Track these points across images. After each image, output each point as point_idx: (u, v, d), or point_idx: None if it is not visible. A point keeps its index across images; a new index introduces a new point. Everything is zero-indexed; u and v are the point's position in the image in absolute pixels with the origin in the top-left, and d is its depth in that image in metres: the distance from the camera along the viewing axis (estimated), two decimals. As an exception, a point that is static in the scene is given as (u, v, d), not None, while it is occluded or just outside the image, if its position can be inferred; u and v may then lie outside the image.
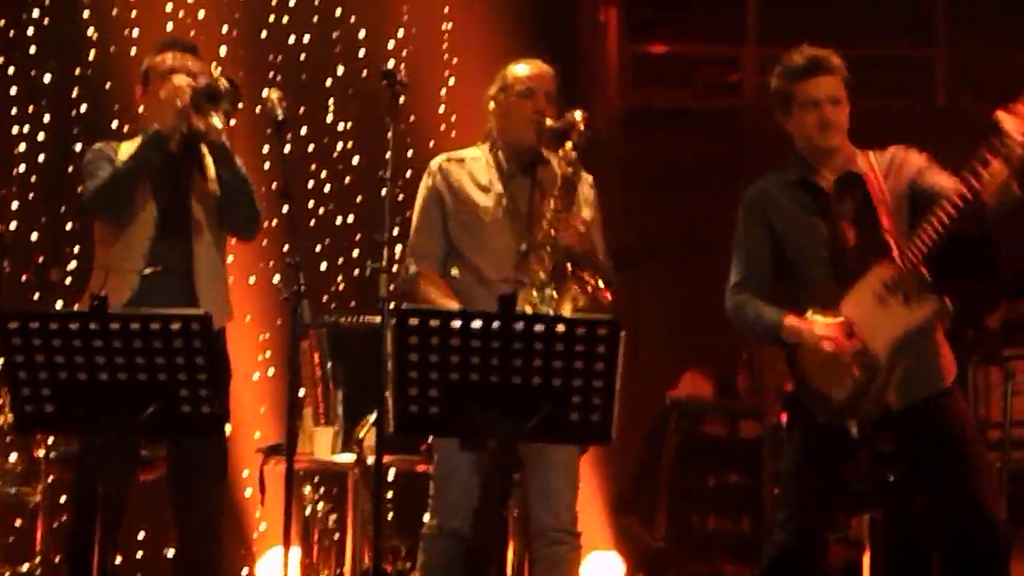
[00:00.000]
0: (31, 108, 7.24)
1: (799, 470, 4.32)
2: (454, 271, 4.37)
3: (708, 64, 9.88)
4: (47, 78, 7.27)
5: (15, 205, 7.13)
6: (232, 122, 4.72)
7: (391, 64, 7.30)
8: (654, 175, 8.77)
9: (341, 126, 7.72)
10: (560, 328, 3.25)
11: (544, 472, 4.23)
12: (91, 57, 7.33)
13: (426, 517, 4.37)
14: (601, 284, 4.16)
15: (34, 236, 7.10)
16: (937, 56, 9.62)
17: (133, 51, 7.11)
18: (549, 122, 4.30)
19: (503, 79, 4.42)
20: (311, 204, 7.50)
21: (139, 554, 6.76)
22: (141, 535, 6.73)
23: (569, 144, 4.28)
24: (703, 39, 9.77)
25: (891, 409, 4.16)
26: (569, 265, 4.19)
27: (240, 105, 4.54)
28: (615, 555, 7.20)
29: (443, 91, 7.81)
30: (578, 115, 4.30)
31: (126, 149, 4.57)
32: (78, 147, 6.99)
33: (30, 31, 7.28)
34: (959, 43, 9.56)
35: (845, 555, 6.11)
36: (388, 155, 4.33)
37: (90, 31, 7.34)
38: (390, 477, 5.92)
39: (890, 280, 4.14)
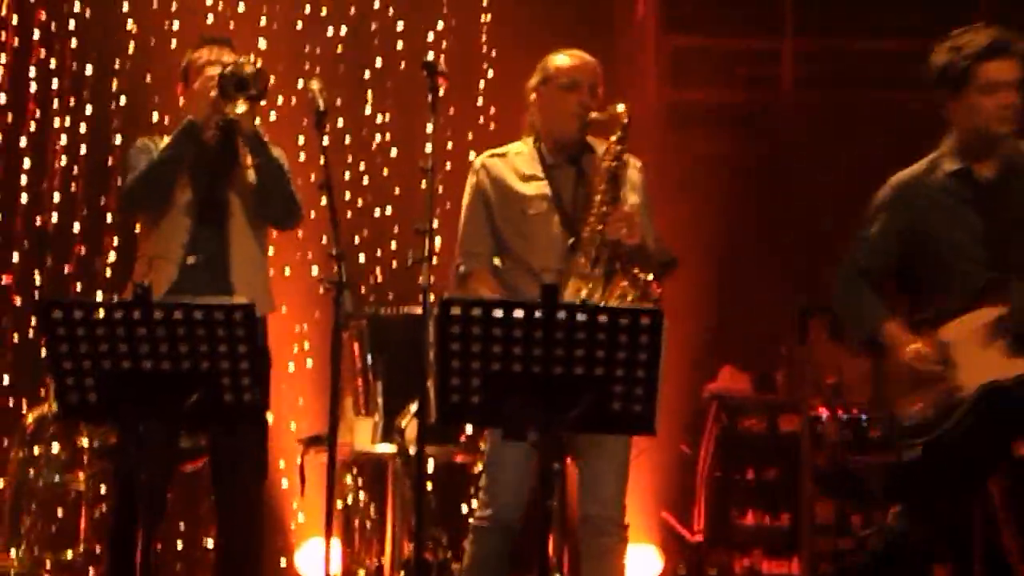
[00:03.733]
0: (72, 101, 7.28)
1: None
2: (496, 261, 4.37)
3: (746, 58, 9.82)
4: (88, 71, 7.32)
5: (57, 197, 7.17)
6: (271, 114, 4.75)
7: (430, 56, 7.30)
8: (693, 170, 8.74)
9: (379, 118, 7.73)
10: (603, 318, 3.24)
11: (593, 461, 4.21)
12: (131, 50, 7.36)
13: (476, 508, 4.36)
14: (651, 278, 4.14)
15: (76, 227, 7.14)
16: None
17: (173, 44, 7.15)
18: (594, 115, 4.28)
19: (544, 70, 4.40)
20: (348, 196, 7.51)
21: (179, 544, 6.79)
22: (181, 526, 6.76)
23: (613, 137, 4.26)
24: (741, 33, 9.71)
25: None
26: (618, 263, 4.17)
27: (266, 93, 4.53)
28: (653, 549, 7.19)
29: (482, 84, 7.81)
30: (621, 107, 4.28)
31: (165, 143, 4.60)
32: (119, 139, 7.05)
33: (71, 24, 7.32)
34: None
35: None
36: (429, 146, 4.33)
37: (130, 24, 7.37)
38: (430, 467, 5.93)
39: (1001, 322, 4.01)
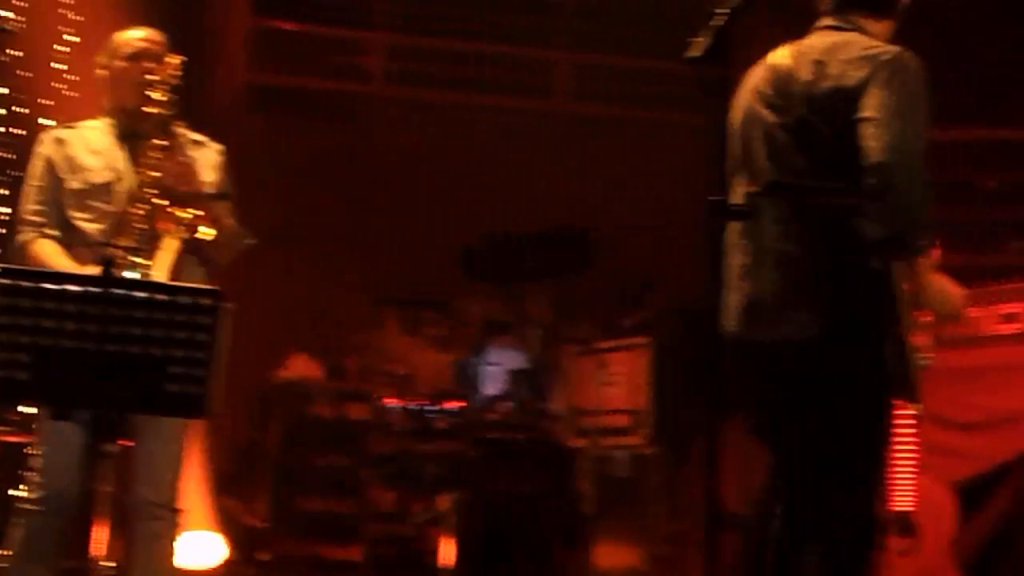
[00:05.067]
0: None
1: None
2: (57, 232, 4.24)
3: (338, 47, 9.87)
4: None
5: None
6: None
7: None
8: (275, 155, 8.70)
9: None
10: (162, 296, 3.17)
11: (147, 444, 4.12)
12: None
13: (25, 490, 4.18)
14: (200, 213, 4.06)
15: None
16: (556, 58, 9.96)
17: None
18: (153, 77, 4.21)
19: (111, 45, 4.35)
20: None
21: None
22: None
23: (163, 86, 4.20)
24: (333, 21, 9.76)
25: None
26: (159, 202, 4.07)
27: None
28: (216, 535, 7.11)
29: (64, 48, 7.48)
30: (175, 60, 4.22)
31: None
32: None
33: None
34: (576, 48, 9.95)
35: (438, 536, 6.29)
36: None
37: None
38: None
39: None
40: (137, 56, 4.27)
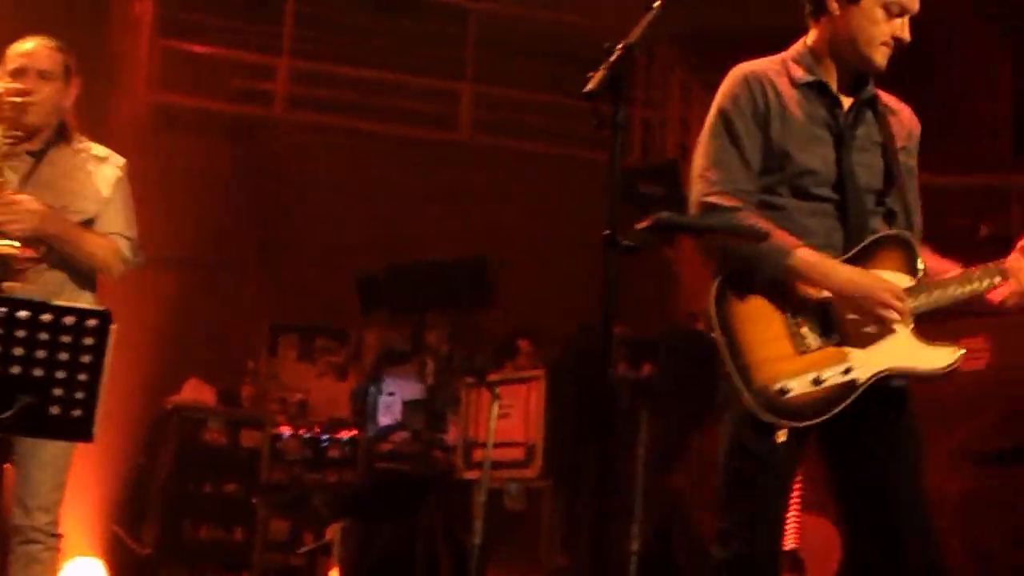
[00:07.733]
0: None
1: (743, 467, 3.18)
2: None
3: (242, 71, 9.82)
4: None
5: None
6: None
7: None
8: (176, 176, 8.61)
9: None
10: (47, 316, 3.11)
11: (28, 466, 4.02)
12: None
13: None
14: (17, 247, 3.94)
15: None
16: (462, 90, 9.99)
17: None
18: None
19: (4, 60, 4.21)
20: None
21: None
22: None
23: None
24: (239, 45, 9.71)
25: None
26: None
27: None
28: (98, 562, 6.98)
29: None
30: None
31: None
32: None
33: None
34: (482, 80, 9.98)
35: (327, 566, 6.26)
36: None
37: None
38: None
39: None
40: (19, 72, 4.12)
